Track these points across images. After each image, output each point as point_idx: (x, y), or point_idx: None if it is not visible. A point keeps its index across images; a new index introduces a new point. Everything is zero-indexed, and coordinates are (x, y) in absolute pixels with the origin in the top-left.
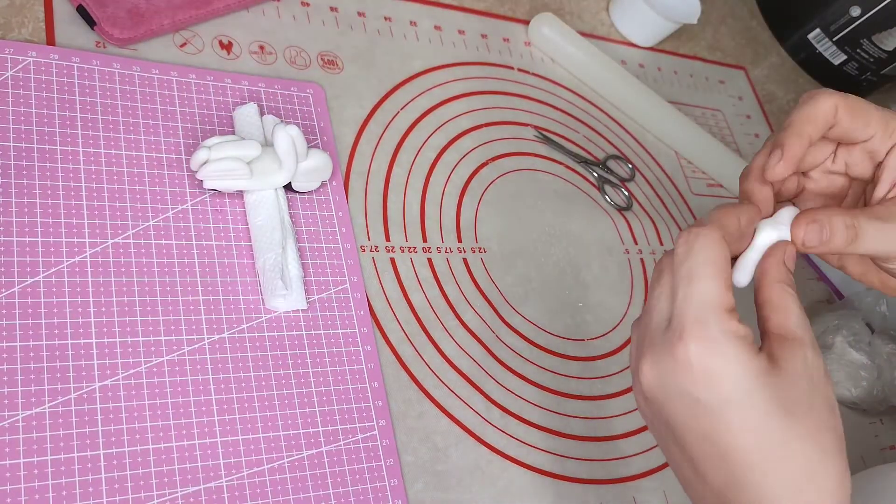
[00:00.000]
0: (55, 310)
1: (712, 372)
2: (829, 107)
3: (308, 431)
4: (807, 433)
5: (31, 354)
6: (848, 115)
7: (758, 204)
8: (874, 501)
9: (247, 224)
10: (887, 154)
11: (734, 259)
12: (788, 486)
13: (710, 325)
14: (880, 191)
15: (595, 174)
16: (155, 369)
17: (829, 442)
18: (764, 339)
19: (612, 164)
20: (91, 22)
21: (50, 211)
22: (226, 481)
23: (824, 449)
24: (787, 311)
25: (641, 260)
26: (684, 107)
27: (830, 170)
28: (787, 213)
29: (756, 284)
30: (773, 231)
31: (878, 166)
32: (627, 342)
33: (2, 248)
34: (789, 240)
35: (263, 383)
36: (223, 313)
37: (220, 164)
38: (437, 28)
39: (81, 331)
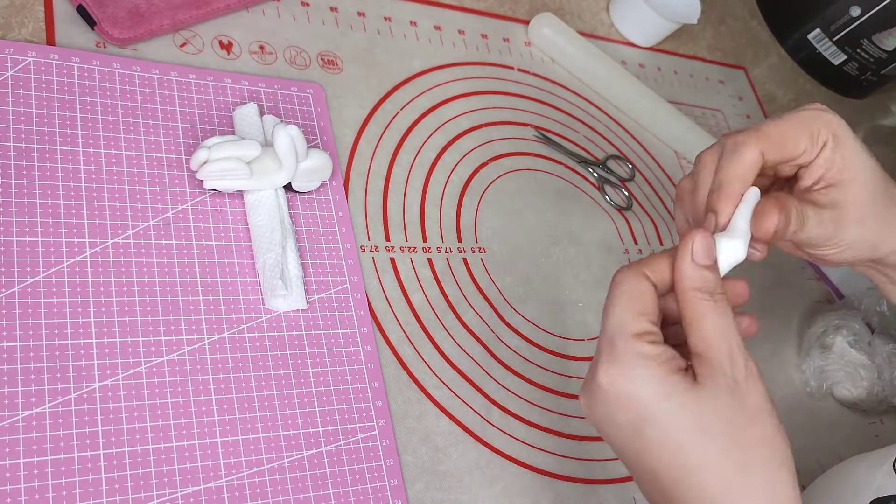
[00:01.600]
0: (55, 310)
1: (624, 395)
2: (754, 157)
3: (308, 431)
4: (724, 449)
5: (31, 354)
6: (776, 152)
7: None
8: (839, 494)
9: (247, 224)
10: (815, 158)
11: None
12: (710, 502)
13: (618, 349)
14: (803, 185)
15: (595, 174)
16: (155, 369)
17: (754, 456)
18: (689, 357)
19: (612, 164)
20: (91, 22)
21: (50, 211)
22: (226, 481)
23: (744, 464)
24: (698, 323)
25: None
26: (684, 107)
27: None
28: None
29: (676, 298)
30: (729, 241)
31: (804, 166)
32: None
33: (2, 248)
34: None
35: (263, 383)
36: (223, 313)
37: (220, 164)
38: (437, 28)
39: (81, 331)
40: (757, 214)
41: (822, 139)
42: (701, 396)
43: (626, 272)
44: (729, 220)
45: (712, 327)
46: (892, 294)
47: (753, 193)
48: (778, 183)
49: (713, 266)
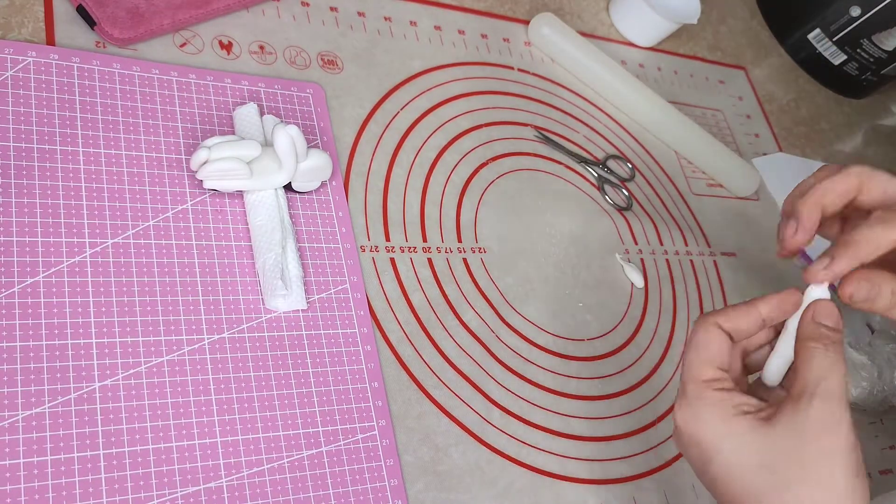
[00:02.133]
0: (55, 310)
1: (692, 435)
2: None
3: (308, 431)
4: (784, 484)
5: (31, 354)
6: (867, 192)
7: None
8: None
9: (247, 224)
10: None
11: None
12: None
13: (688, 393)
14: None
15: (595, 174)
16: (155, 369)
17: (817, 495)
18: (780, 404)
19: (612, 164)
20: (91, 22)
21: (50, 211)
22: (226, 481)
23: (808, 499)
24: (803, 367)
25: (641, 260)
26: (684, 107)
27: None
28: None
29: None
30: (815, 290)
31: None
32: (627, 342)
33: (2, 248)
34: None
35: (263, 383)
36: (223, 313)
37: (220, 164)
38: (437, 28)
39: (81, 331)
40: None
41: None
42: (765, 435)
43: (699, 322)
44: (836, 276)
45: (813, 369)
46: None
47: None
48: None
49: (833, 326)
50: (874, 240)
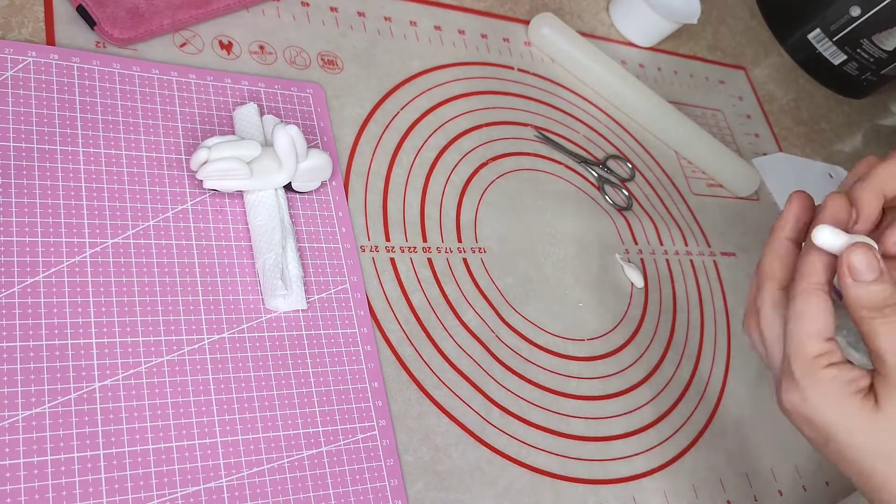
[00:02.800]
0: (55, 310)
1: (805, 418)
2: None
3: (308, 431)
4: None
5: (31, 354)
6: None
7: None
8: None
9: (247, 224)
10: None
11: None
12: None
13: (796, 374)
14: None
15: (595, 174)
16: (155, 369)
17: None
18: (878, 379)
19: (612, 164)
20: (91, 22)
21: (50, 211)
22: (226, 481)
23: None
24: (871, 342)
25: (641, 260)
26: (684, 107)
27: None
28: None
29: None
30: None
31: None
32: (627, 342)
33: (2, 248)
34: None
35: (263, 383)
36: (223, 313)
37: (220, 164)
38: (437, 28)
39: (81, 331)
40: None
41: None
42: (878, 420)
43: (800, 289)
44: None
45: (884, 345)
46: None
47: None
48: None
49: (877, 278)
50: None
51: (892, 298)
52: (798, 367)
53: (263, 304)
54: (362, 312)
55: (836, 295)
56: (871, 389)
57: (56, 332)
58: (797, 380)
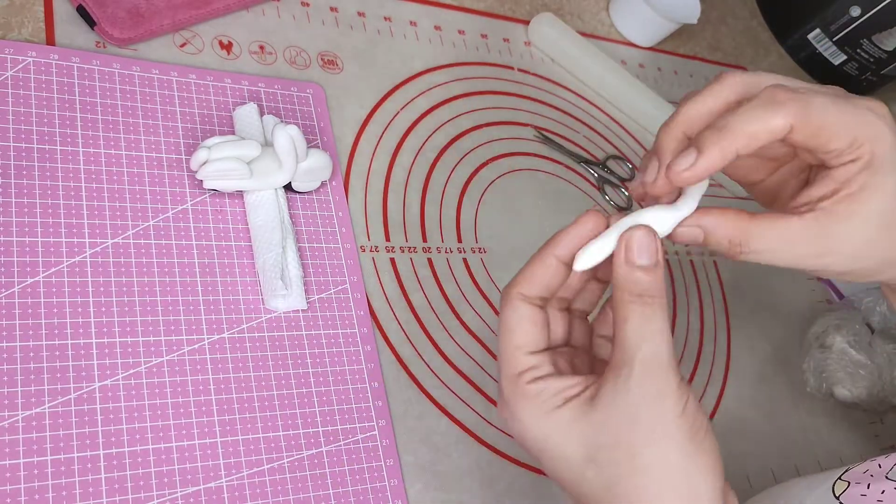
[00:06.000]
0: (55, 310)
1: (517, 434)
2: (781, 126)
3: (308, 431)
4: (615, 480)
5: (31, 354)
6: (806, 135)
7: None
8: None
9: (247, 224)
10: (839, 167)
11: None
12: None
13: (504, 391)
14: (810, 195)
15: (595, 174)
16: (155, 369)
17: (651, 487)
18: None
19: (612, 164)
20: (91, 22)
21: (50, 211)
22: (226, 481)
23: (639, 487)
24: (619, 330)
25: None
26: None
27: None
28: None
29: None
30: (626, 220)
31: (819, 167)
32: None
33: (2, 248)
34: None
35: (263, 383)
36: (223, 313)
37: (220, 164)
38: (437, 28)
39: (81, 331)
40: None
41: (859, 152)
42: (589, 422)
43: (503, 298)
44: (706, 170)
45: (630, 334)
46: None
47: (703, 184)
48: (798, 163)
49: (651, 267)
50: (753, 126)
51: (657, 292)
52: (505, 384)
53: (263, 304)
54: (362, 312)
55: (837, 296)
56: (587, 390)
57: (56, 332)
58: (505, 397)
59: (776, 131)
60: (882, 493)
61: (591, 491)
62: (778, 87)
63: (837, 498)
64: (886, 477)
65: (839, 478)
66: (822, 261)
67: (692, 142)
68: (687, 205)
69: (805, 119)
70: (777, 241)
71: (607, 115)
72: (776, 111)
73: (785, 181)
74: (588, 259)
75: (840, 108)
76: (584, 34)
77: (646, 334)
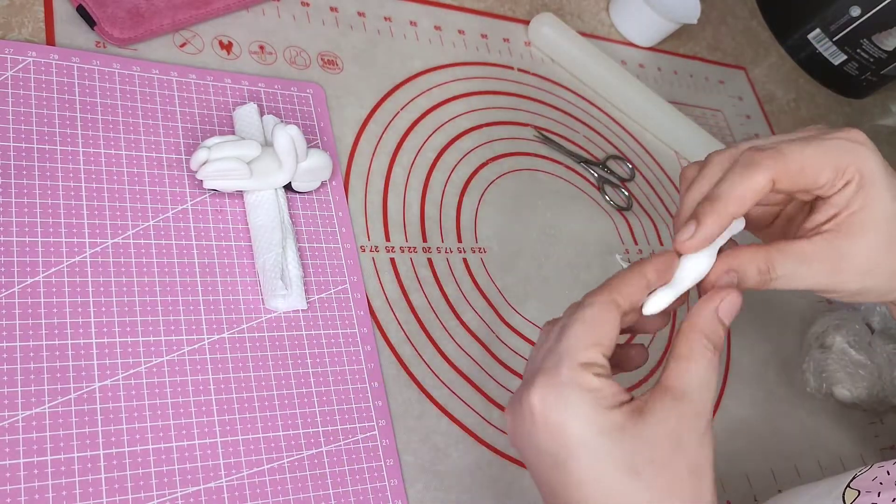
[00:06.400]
0: (55, 310)
1: (555, 423)
2: (764, 183)
3: (308, 431)
4: (654, 496)
5: (31, 354)
6: (791, 181)
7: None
8: None
9: (247, 224)
10: (834, 194)
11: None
12: None
13: (561, 374)
14: (815, 220)
15: (595, 174)
16: (155, 369)
17: (685, 490)
18: (651, 390)
19: (612, 164)
20: (91, 22)
21: (50, 211)
22: (226, 481)
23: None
24: (688, 362)
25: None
26: (684, 107)
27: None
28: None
29: (679, 330)
30: (693, 265)
31: (817, 199)
32: (627, 342)
33: (2, 248)
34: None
35: (263, 383)
36: (223, 313)
37: (220, 164)
38: (437, 28)
39: (81, 331)
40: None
41: (846, 177)
42: (638, 433)
43: (596, 297)
44: (706, 238)
45: (698, 373)
46: None
47: (738, 224)
48: (798, 202)
49: (727, 327)
50: (739, 194)
51: (721, 346)
52: (567, 368)
53: (263, 304)
54: (362, 312)
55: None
56: (633, 402)
57: (56, 332)
58: (560, 379)
59: (760, 189)
60: (893, 500)
61: (627, 498)
62: (753, 149)
63: None
64: None
65: (848, 486)
66: (836, 279)
67: (692, 214)
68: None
69: (783, 168)
70: (794, 263)
71: (607, 115)
72: (755, 171)
73: (791, 219)
74: (655, 305)
75: (814, 146)
76: (584, 34)
77: (709, 380)
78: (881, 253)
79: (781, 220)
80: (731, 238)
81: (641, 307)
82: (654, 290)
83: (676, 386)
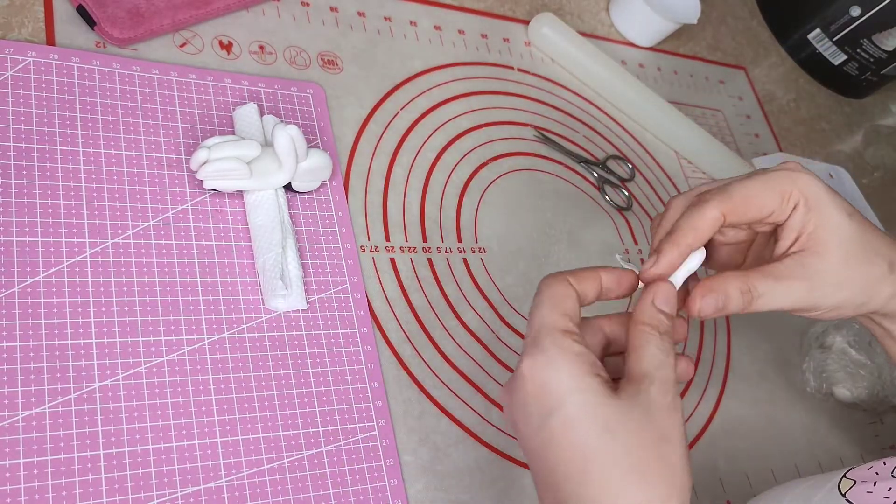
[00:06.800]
0: (55, 310)
1: (541, 382)
2: (714, 216)
3: (308, 431)
4: (622, 454)
5: (31, 354)
6: (739, 214)
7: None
8: None
9: (247, 224)
10: (787, 218)
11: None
12: (601, 500)
13: (544, 341)
14: (781, 247)
15: (595, 174)
16: (155, 369)
17: (649, 471)
18: (619, 382)
19: (612, 164)
20: (91, 22)
21: (50, 211)
22: (226, 481)
23: (637, 475)
24: (640, 351)
25: (641, 260)
26: (684, 107)
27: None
28: (694, 259)
29: (628, 330)
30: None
31: (780, 226)
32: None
33: (2, 248)
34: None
35: (263, 383)
36: (223, 313)
37: (220, 164)
38: (437, 28)
39: (81, 331)
40: (689, 293)
41: (792, 201)
42: (613, 403)
43: (551, 278)
44: (667, 266)
45: (650, 356)
46: (891, 348)
47: (698, 256)
48: (762, 237)
49: (669, 314)
50: (693, 225)
51: (668, 330)
52: (547, 336)
53: (263, 304)
54: (362, 312)
55: None
56: (609, 383)
57: (56, 332)
58: (543, 346)
59: (712, 220)
60: (889, 490)
61: (597, 454)
62: (704, 190)
63: (844, 495)
64: (892, 475)
65: (844, 476)
66: (813, 295)
67: (655, 247)
68: (689, 262)
69: (729, 202)
70: (771, 282)
71: (607, 115)
72: (705, 206)
73: (759, 255)
74: (681, 278)
75: (755, 179)
76: (584, 34)
77: (662, 358)
78: (848, 266)
79: (752, 257)
80: (694, 274)
81: None
82: None
83: (636, 371)
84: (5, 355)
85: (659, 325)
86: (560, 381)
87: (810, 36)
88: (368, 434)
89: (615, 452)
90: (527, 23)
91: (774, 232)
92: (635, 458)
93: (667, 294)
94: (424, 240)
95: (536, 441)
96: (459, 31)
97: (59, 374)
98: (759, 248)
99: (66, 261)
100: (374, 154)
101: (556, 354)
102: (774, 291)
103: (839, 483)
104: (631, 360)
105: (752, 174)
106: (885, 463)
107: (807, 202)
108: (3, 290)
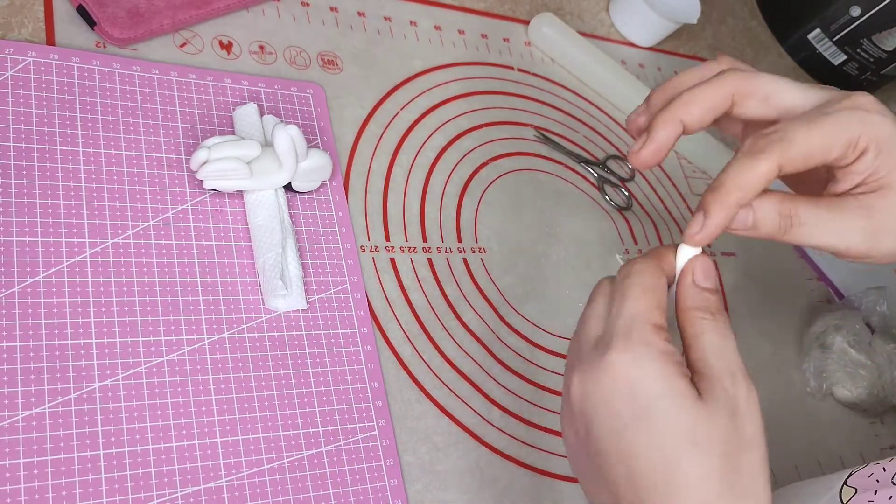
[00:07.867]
0: (55, 310)
1: (634, 383)
2: (769, 171)
3: (308, 431)
4: (710, 471)
5: (31, 354)
6: (800, 164)
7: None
8: None
9: (247, 224)
10: (852, 163)
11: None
12: None
13: (634, 337)
14: (838, 188)
15: (595, 174)
16: (155, 369)
17: (739, 484)
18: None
19: (612, 164)
20: (91, 22)
21: (50, 211)
22: (226, 481)
23: (731, 485)
24: (696, 341)
25: None
26: None
27: None
28: None
29: (676, 317)
30: (687, 249)
31: (840, 168)
32: None
33: (2, 248)
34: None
35: (263, 383)
36: (223, 313)
37: (220, 164)
38: (437, 28)
39: (81, 331)
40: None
41: (860, 148)
42: (700, 410)
43: (644, 263)
44: (715, 229)
45: (710, 345)
46: None
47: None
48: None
49: (713, 288)
50: (744, 180)
51: (719, 307)
52: (639, 331)
53: (263, 304)
54: (362, 312)
55: (837, 296)
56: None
57: (56, 332)
58: (633, 342)
59: (765, 177)
60: (889, 498)
61: (687, 469)
62: (758, 136)
63: None
64: (892, 482)
65: (845, 483)
66: (872, 238)
67: (700, 204)
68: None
69: (788, 155)
70: (825, 212)
71: (607, 115)
72: (759, 160)
73: (813, 192)
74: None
75: (819, 126)
76: (584, 34)
77: (721, 344)
78: None
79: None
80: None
81: None
82: None
83: (703, 368)
84: (5, 355)
85: (709, 306)
86: (651, 384)
87: (810, 36)
88: (368, 434)
89: (703, 472)
90: (527, 23)
91: (831, 173)
92: (723, 471)
93: (705, 268)
94: (424, 240)
95: (618, 440)
96: (459, 31)
97: (59, 374)
98: (812, 183)
99: (66, 261)
100: (374, 154)
101: (648, 354)
102: (824, 224)
103: (840, 492)
104: (693, 354)
105: (814, 118)
106: (884, 469)
107: (878, 146)
108: (3, 290)
